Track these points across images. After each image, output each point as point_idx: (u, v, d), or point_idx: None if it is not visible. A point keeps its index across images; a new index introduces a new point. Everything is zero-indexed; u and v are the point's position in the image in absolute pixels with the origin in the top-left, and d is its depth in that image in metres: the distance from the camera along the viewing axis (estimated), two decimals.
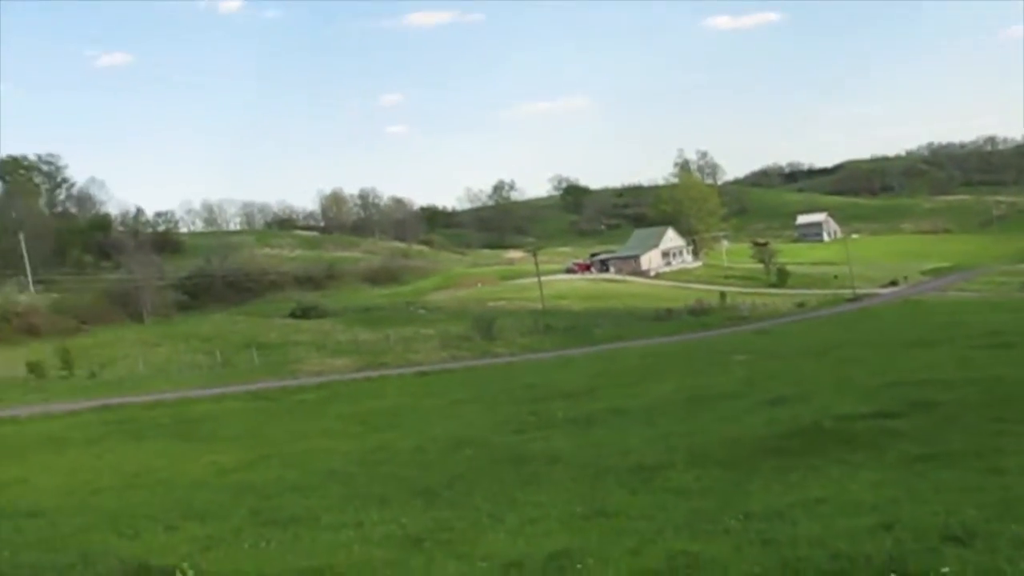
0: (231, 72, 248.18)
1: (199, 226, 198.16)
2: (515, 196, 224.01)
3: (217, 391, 55.66)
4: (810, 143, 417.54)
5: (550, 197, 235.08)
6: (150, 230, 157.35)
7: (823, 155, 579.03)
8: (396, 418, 37.87)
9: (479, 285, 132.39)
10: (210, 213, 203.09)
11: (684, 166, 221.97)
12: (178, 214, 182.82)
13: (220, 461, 29.35)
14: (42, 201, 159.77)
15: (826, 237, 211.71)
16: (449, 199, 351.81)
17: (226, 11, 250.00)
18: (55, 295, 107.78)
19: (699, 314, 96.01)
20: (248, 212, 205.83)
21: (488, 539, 13.31)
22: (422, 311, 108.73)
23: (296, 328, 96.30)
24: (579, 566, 10.44)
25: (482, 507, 16.61)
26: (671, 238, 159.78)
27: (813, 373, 36.29)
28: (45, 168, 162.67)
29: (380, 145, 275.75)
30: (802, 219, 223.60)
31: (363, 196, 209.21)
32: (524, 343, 79.06)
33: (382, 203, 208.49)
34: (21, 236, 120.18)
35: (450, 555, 12.15)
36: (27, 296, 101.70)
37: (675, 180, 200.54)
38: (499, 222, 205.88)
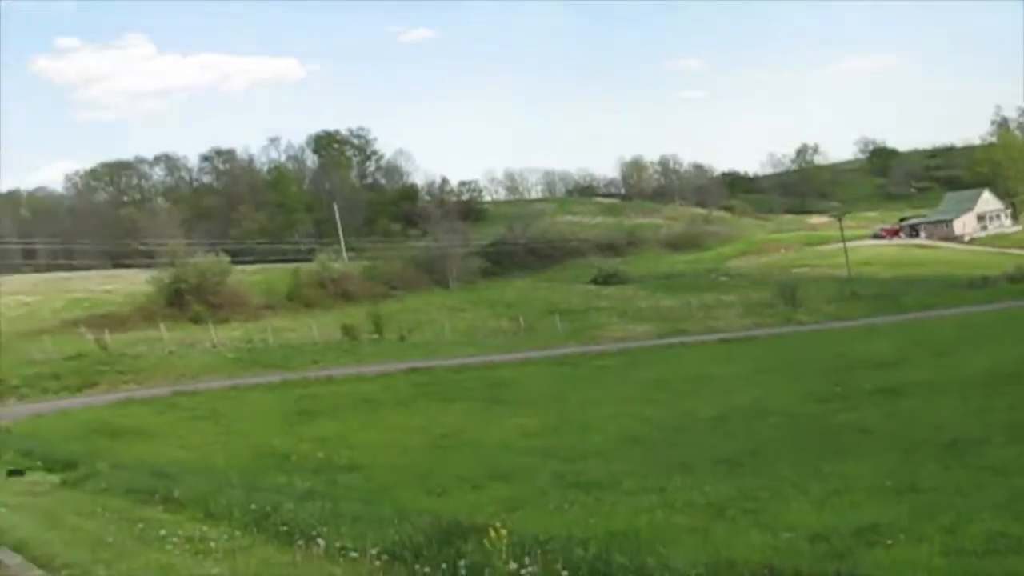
0: (530, 41, 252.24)
1: (502, 194, 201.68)
2: (819, 160, 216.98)
3: (520, 356, 56.56)
4: None
5: (855, 160, 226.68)
6: (455, 199, 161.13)
7: None
8: (697, 385, 37.54)
9: (782, 251, 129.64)
10: (512, 181, 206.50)
11: (1003, 124, 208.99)
12: (481, 183, 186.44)
13: (524, 424, 29.95)
14: (353, 173, 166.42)
15: None
16: (751, 164, 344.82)
17: None
18: (366, 262, 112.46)
19: (1019, 281, 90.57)
20: (549, 180, 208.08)
21: (792, 509, 13.02)
22: (724, 278, 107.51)
23: (597, 294, 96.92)
24: (889, 542, 10.01)
25: (786, 477, 16.29)
26: (987, 200, 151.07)
27: None
28: (356, 142, 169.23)
29: (680, 111, 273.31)
30: None
31: (663, 162, 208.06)
32: (829, 311, 76.77)
33: (682, 169, 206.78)
34: (335, 207, 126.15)
35: (753, 524, 11.95)
36: (341, 263, 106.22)
37: (992, 139, 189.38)
38: (802, 187, 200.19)
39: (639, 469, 19.02)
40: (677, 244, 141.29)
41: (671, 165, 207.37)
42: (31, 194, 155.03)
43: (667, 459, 20.21)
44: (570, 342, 65.72)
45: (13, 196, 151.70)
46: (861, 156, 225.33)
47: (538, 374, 47.76)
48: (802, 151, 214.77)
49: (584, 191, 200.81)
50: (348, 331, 66.39)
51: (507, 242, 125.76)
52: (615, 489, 16.36)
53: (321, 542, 9.24)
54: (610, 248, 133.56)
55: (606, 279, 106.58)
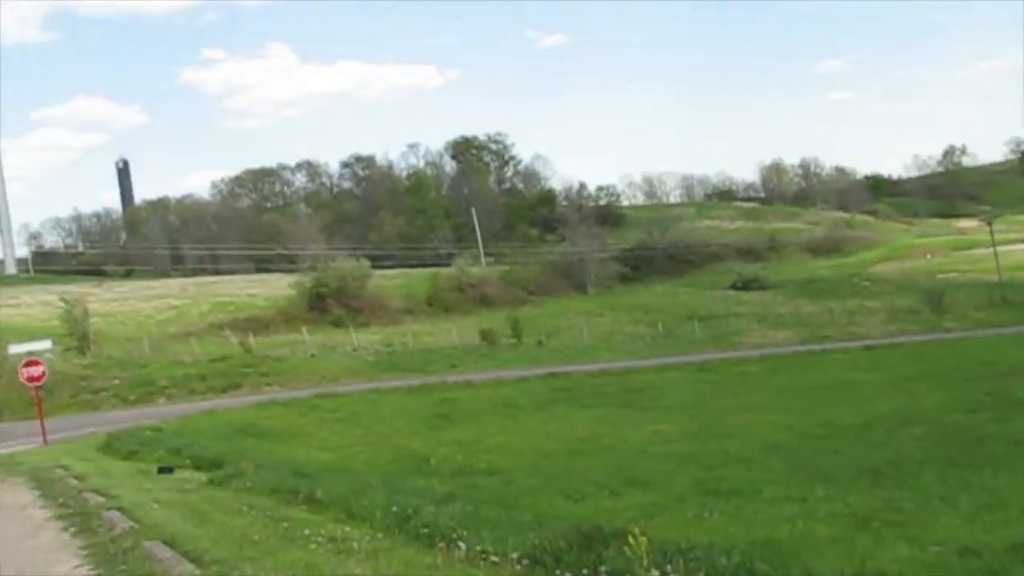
0: (667, 44, 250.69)
1: (639, 199, 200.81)
2: (967, 161, 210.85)
3: (659, 361, 56.14)
4: None
5: (1007, 162, 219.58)
6: (592, 204, 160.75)
7: None
8: (840, 393, 36.82)
9: (928, 256, 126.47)
10: (650, 186, 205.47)
11: None
12: (619, 187, 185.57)
13: (662, 430, 29.74)
14: (491, 179, 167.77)
15: None
16: (895, 167, 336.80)
17: None
18: (505, 267, 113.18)
19: None
20: (687, 184, 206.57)
21: (940, 523, 12.66)
22: (867, 283, 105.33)
23: (737, 300, 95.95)
24: None
25: (932, 489, 15.85)
26: None
27: None
28: (494, 147, 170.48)
29: (821, 113, 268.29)
30: None
31: (804, 165, 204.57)
32: (978, 317, 74.63)
33: (824, 172, 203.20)
34: (473, 212, 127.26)
35: (900, 537, 11.64)
36: (479, 268, 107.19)
37: None
38: (949, 189, 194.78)
39: (780, 478, 18.74)
40: (818, 249, 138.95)
41: (812, 168, 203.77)
42: (179, 201, 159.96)
43: (808, 468, 19.86)
44: (709, 348, 65.16)
45: (162, 203, 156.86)
46: (1012, 157, 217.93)
47: (676, 380, 47.37)
48: (949, 152, 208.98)
49: (723, 195, 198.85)
50: (487, 335, 66.83)
51: (645, 247, 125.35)
52: (755, 497, 16.13)
53: (462, 545, 9.32)
54: (750, 253, 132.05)
55: (746, 284, 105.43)
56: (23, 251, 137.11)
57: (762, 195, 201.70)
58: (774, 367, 51.15)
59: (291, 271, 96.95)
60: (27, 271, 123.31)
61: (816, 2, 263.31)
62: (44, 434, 32.12)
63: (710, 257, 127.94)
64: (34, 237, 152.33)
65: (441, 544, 9.54)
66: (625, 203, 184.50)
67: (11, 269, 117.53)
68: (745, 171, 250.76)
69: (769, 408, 33.58)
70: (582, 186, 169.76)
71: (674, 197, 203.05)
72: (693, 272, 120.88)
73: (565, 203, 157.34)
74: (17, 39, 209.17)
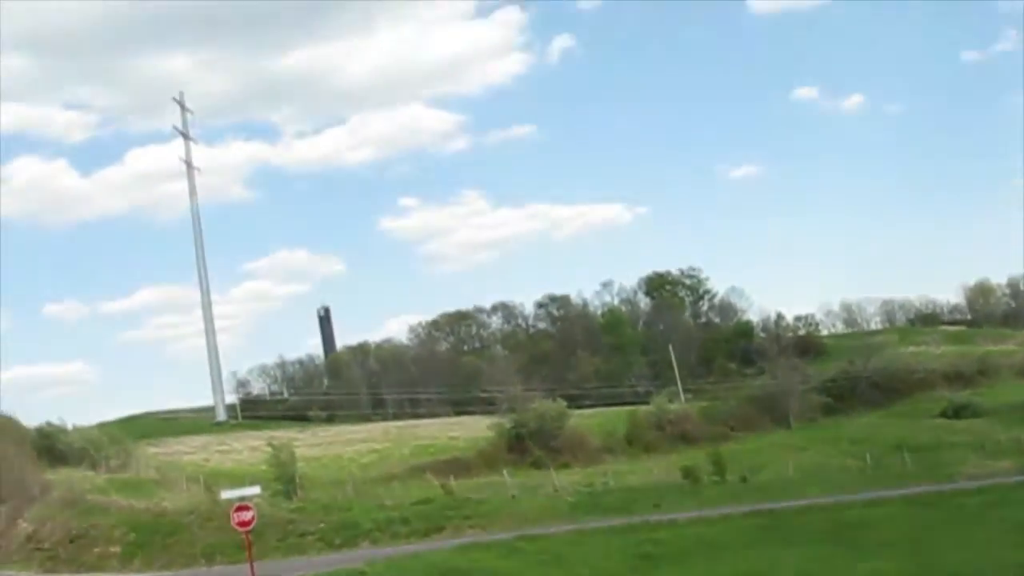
0: (858, 170, 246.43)
1: (839, 327, 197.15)
2: None
3: (868, 495, 54.03)
4: None
5: None
6: (791, 334, 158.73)
7: None
8: None
9: None
10: (849, 313, 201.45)
11: None
12: (817, 316, 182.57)
13: (878, 569, 28.60)
14: (687, 313, 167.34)
15: None
16: None
17: (848, 110, 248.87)
18: (703, 402, 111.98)
19: None
20: (888, 309, 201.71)
21: None
22: None
23: (948, 428, 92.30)
24: None
25: None
26: None
27: None
28: (687, 281, 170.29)
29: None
30: None
31: (1012, 284, 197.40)
32: None
33: None
34: (671, 348, 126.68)
35: None
36: (678, 404, 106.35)
37: None
38: None
39: None
40: None
41: (1021, 287, 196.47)
42: (378, 345, 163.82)
43: None
44: (921, 480, 62.51)
45: (362, 348, 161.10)
46: None
47: (888, 515, 45.42)
48: None
49: (926, 319, 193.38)
50: (688, 473, 65.71)
51: (848, 376, 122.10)
52: None
53: None
54: (959, 379, 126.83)
55: (957, 411, 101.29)
56: (231, 398, 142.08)
57: (968, 317, 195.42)
58: (995, 499, 48.52)
59: (490, 412, 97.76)
60: (235, 417, 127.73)
61: (1013, 113, 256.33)
62: None
63: (917, 384, 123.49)
64: (242, 384, 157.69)
65: None
66: (824, 332, 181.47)
67: (221, 416, 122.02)
68: (948, 292, 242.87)
69: (993, 544, 31.89)
70: (779, 316, 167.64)
71: (875, 323, 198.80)
72: (900, 400, 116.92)
73: (763, 335, 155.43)
74: (224, 198, 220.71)
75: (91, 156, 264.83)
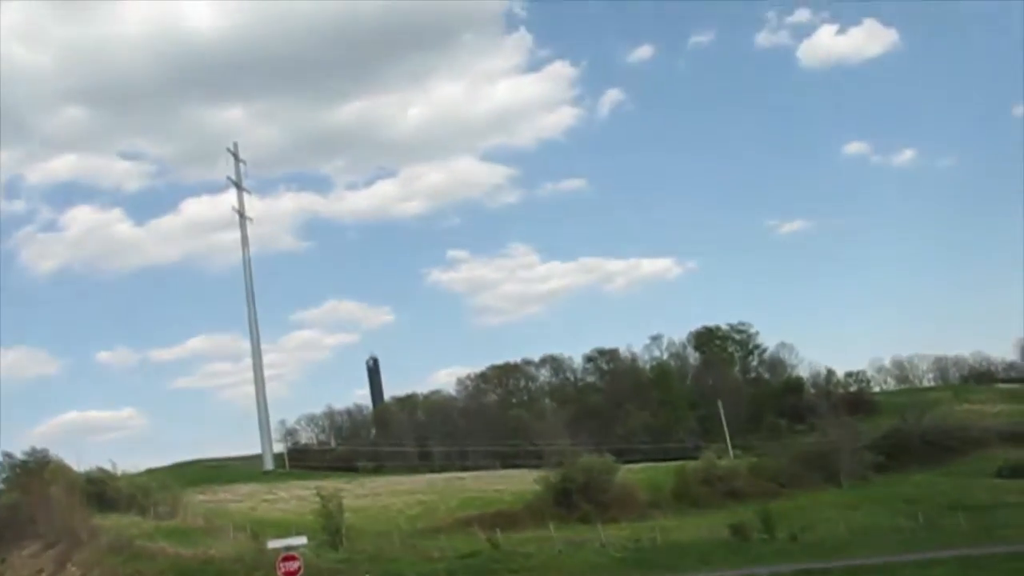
0: (910, 226, 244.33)
1: (891, 384, 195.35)
2: None
3: (921, 556, 52.99)
4: None
5: None
6: (842, 391, 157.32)
7: None
8: None
9: None
10: (901, 370, 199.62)
11: None
12: (869, 372, 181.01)
13: None
14: (736, 368, 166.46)
15: None
16: None
17: (899, 164, 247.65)
18: (753, 458, 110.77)
19: None
20: (941, 366, 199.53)
21: None
22: None
23: (1005, 488, 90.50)
24: None
25: None
26: None
27: None
28: (737, 337, 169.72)
29: None
30: None
31: None
32: None
33: None
34: (720, 404, 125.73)
35: None
36: (727, 461, 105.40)
37: None
38: None
39: None
40: None
41: None
42: (426, 397, 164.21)
43: None
44: (976, 541, 61.25)
45: (410, 399, 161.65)
46: None
47: None
48: None
49: (981, 377, 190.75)
50: (737, 530, 64.96)
51: (900, 434, 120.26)
52: None
53: None
54: (1015, 438, 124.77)
55: (1013, 471, 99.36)
56: (279, 447, 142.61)
57: None
58: None
59: (537, 466, 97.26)
60: (283, 466, 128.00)
61: None
62: None
63: (972, 443, 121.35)
64: (290, 433, 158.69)
65: None
66: (876, 388, 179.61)
67: (268, 465, 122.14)
68: (1003, 349, 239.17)
69: None
70: (830, 373, 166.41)
71: (927, 380, 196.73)
72: (954, 459, 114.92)
73: (813, 391, 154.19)
74: (275, 248, 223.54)
75: (146, 205, 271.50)
